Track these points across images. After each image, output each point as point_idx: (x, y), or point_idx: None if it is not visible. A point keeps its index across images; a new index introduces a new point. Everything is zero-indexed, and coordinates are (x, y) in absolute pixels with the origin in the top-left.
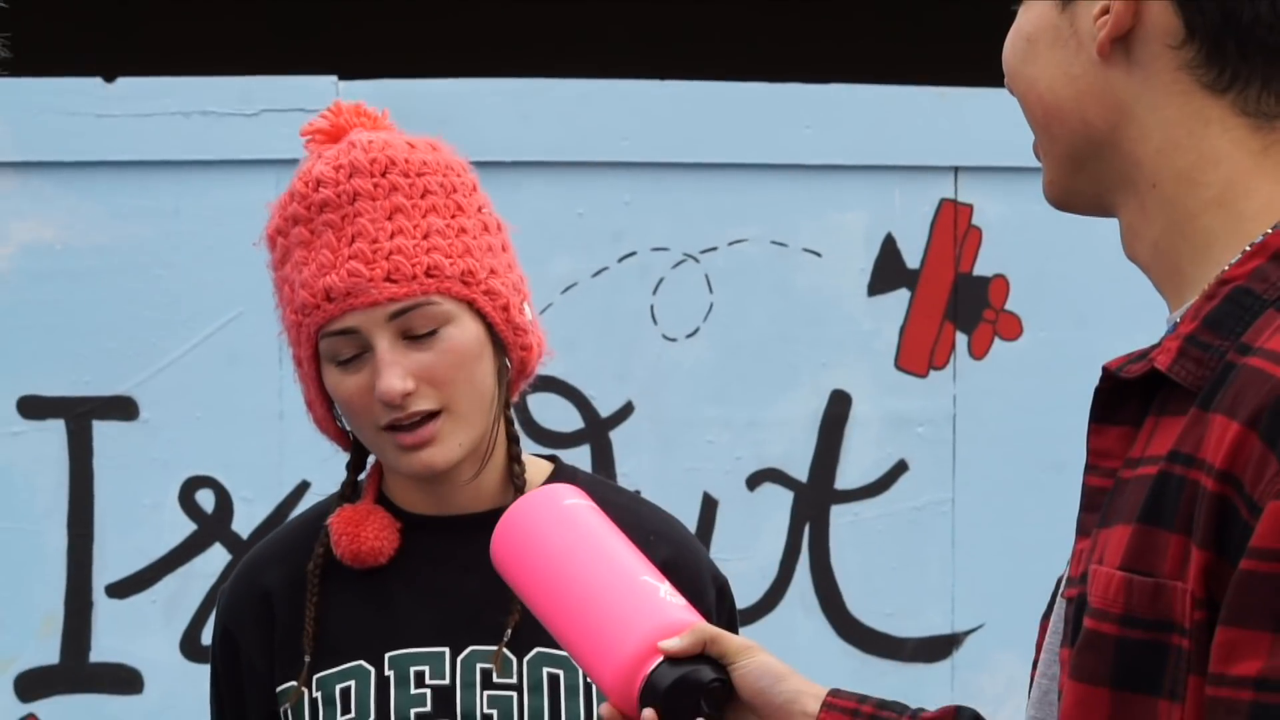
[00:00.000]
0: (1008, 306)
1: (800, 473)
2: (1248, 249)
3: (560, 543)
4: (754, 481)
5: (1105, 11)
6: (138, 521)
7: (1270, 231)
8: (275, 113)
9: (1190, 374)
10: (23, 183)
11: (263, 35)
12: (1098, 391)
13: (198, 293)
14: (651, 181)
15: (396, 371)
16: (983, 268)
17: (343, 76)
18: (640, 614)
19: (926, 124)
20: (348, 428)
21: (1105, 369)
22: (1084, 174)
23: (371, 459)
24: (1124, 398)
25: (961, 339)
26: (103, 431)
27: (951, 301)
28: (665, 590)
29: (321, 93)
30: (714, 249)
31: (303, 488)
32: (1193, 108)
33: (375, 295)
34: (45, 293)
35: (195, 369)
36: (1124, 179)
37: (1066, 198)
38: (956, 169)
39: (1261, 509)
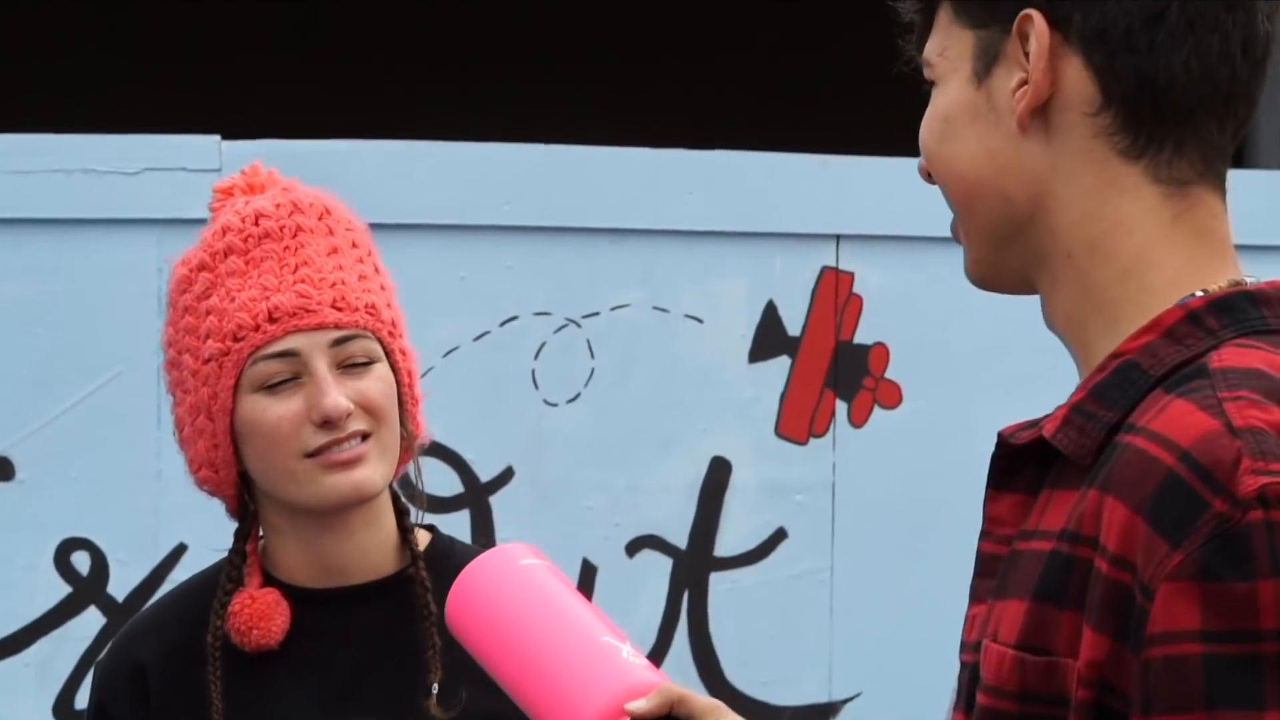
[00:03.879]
0: (887, 374)
1: (679, 539)
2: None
3: (519, 604)
4: (633, 548)
5: (1023, 84)
6: (12, 583)
7: (1169, 308)
8: (157, 172)
9: (1072, 442)
10: None
11: (146, 95)
12: (993, 458)
13: (76, 352)
14: (534, 246)
15: (340, 390)
16: (863, 336)
17: (226, 136)
18: (604, 676)
19: (808, 192)
20: (243, 470)
21: (999, 435)
22: (1008, 250)
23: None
24: (1019, 465)
25: (841, 406)
26: None
27: (832, 369)
28: (627, 650)
29: (204, 152)
30: (596, 314)
31: (180, 550)
32: (1108, 176)
33: (322, 318)
34: None
35: (72, 429)
36: (1043, 252)
37: (992, 275)
38: (838, 237)
39: (1155, 593)
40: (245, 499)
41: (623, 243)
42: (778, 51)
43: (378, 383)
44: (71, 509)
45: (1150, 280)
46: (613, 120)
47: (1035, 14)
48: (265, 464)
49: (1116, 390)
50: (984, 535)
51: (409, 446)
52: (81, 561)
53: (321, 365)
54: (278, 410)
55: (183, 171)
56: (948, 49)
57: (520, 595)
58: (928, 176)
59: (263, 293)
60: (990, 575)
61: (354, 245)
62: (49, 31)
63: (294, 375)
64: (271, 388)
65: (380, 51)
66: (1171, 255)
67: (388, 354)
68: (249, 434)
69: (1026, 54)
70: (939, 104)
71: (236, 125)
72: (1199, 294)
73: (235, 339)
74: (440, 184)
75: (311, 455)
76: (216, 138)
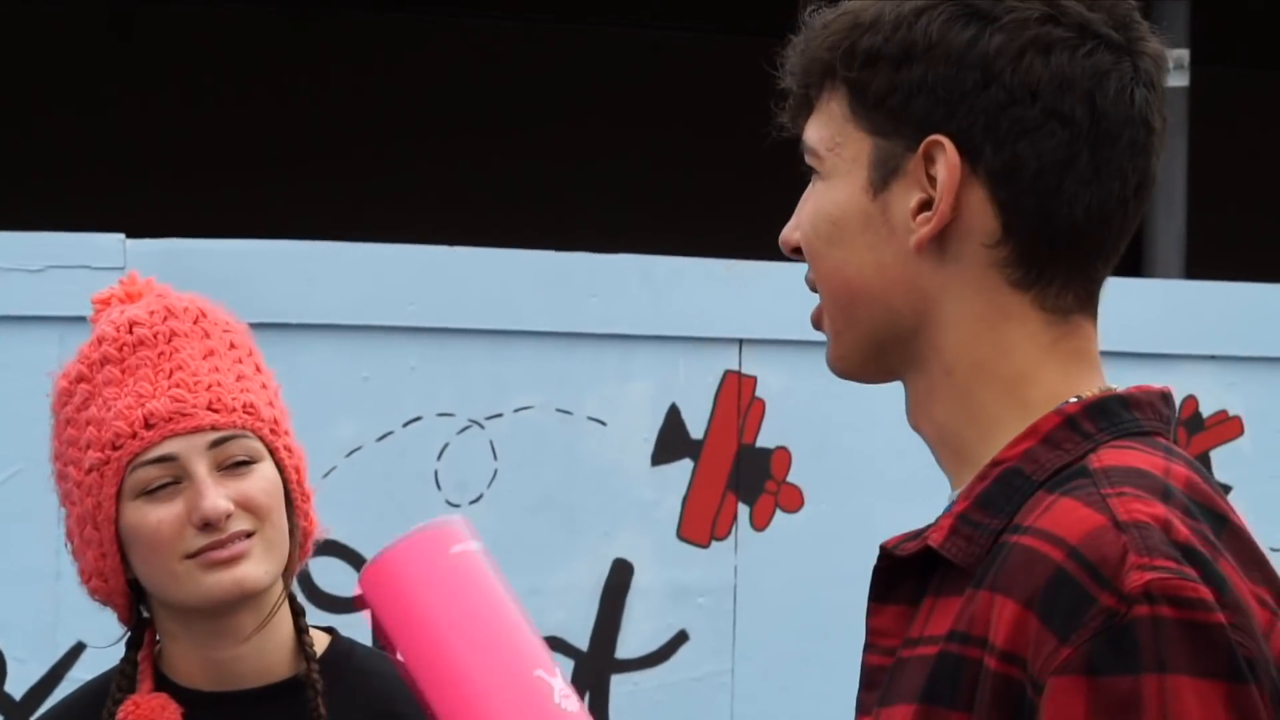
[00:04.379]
0: (789, 478)
1: (581, 641)
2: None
3: (442, 611)
4: None
5: (923, 205)
6: None
7: (1045, 414)
8: (61, 269)
9: (961, 551)
10: None
11: (50, 193)
12: (875, 570)
13: None
14: (437, 347)
15: (219, 492)
16: (765, 439)
17: (130, 235)
18: None
19: (711, 296)
20: (133, 578)
21: (882, 548)
22: (882, 354)
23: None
24: (901, 576)
25: (743, 510)
26: None
27: (734, 472)
28: (558, 692)
29: (108, 250)
30: (499, 415)
31: (78, 649)
32: (997, 303)
33: (198, 421)
34: None
35: None
36: (921, 361)
37: (857, 372)
38: (741, 341)
39: (1044, 687)
40: (137, 606)
41: (526, 345)
42: (682, 156)
43: (260, 481)
44: None
45: (1029, 395)
46: (516, 223)
47: (946, 141)
48: (149, 568)
49: (1001, 497)
50: (868, 648)
51: (305, 544)
52: None
53: (200, 468)
54: (158, 514)
55: (86, 269)
56: (840, 147)
57: (445, 599)
58: (794, 251)
59: (138, 400)
60: (875, 687)
61: (232, 346)
62: None
63: (174, 479)
64: (152, 493)
65: (281, 150)
66: (1049, 373)
67: (272, 452)
68: (133, 540)
69: (930, 176)
70: (827, 203)
71: (140, 225)
72: (1073, 400)
73: (114, 448)
74: (343, 284)
75: (192, 556)
76: (120, 236)
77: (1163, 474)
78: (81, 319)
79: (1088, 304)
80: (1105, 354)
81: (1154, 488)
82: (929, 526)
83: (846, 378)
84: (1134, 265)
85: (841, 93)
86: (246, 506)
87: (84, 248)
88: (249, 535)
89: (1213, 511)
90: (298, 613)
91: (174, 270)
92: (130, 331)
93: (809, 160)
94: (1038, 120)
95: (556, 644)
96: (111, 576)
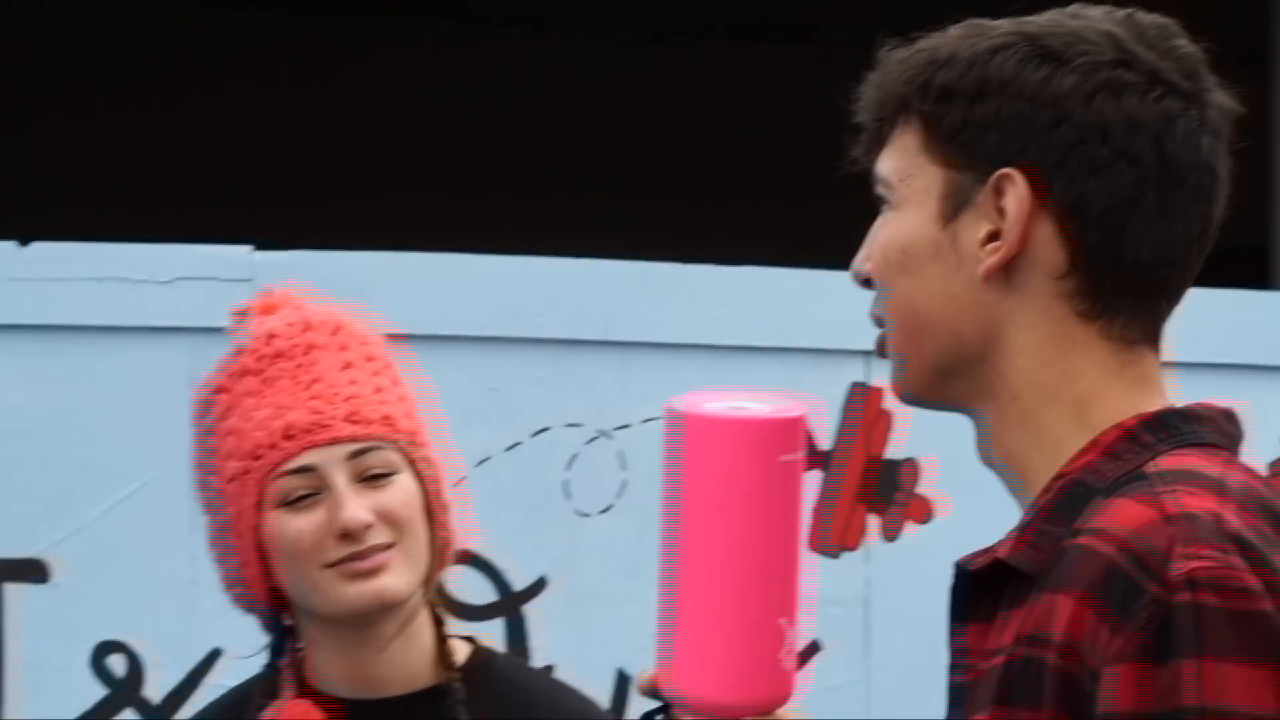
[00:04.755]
0: (919, 489)
1: None
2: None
3: (745, 508)
4: None
5: (992, 236)
6: (48, 686)
7: (1104, 429)
8: (189, 281)
9: (1029, 560)
10: None
11: (179, 203)
12: (952, 590)
13: (110, 457)
14: (565, 358)
15: (359, 503)
16: (894, 451)
17: (258, 246)
18: (750, 673)
19: (837, 307)
20: (275, 585)
21: (957, 565)
22: (949, 381)
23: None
24: (977, 593)
25: (873, 521)
26: (14, 594)
27: (862, 483)
28: (786, 647)
29: (236, 262)
30: (627, 426)
31: (214, 655)
32: (1063, 331)
33: (336, 432)
34: None
35: (108, 533)
36: (987, 388)
37: (923, 399)
38: (867, 352)
39: (1100, 676)
40: (280, 613)
41: (653, 356)
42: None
43: (398, 493)
44: (108, 612)
45: (1093, 417)
46: (644, 236)
47: (1018, 175)
48: (291, 577)
49: (1064, 507)
50: (951, 669)
51: (443, 554)
52: (118, 664)
53: (340, 479)
54: (298, 524)
55: (215, 281)
56: (912, 178)
57: (757, 503)
58: (865, 283)
59: (277, 411)
60: (960, 705)
61: (369, 358)
62: (83, 141)
63: (314, 490)
64: (292, 503)
65: (408, 161)
66: (1114, 396)
67: (411, 463)
68: (273, 550)
69: (999, 209)
70: (897, 232)
71: (269, 235)
72: (1133, 416)
73: (253, 458)
74: (472, 295)
75: (333, 565)
76: (248, 248)
77: (1219, 474)
78: (210, 330)
79: (1153, 336)
80: (1229, 367)
81: (1209, 484)
82: (998, 542)
83: (912, 404)
84: (1263, 278)
85: (915, 126)
86: (386, 519)
87: (213, 259)
88: (389, 547)
89: (1273, 510)
90: (439, 621)
91: (301, 281)
92: (269, 343)
93: (880, 191)
94: (1107, 159)
95: None
96: (253, 584)
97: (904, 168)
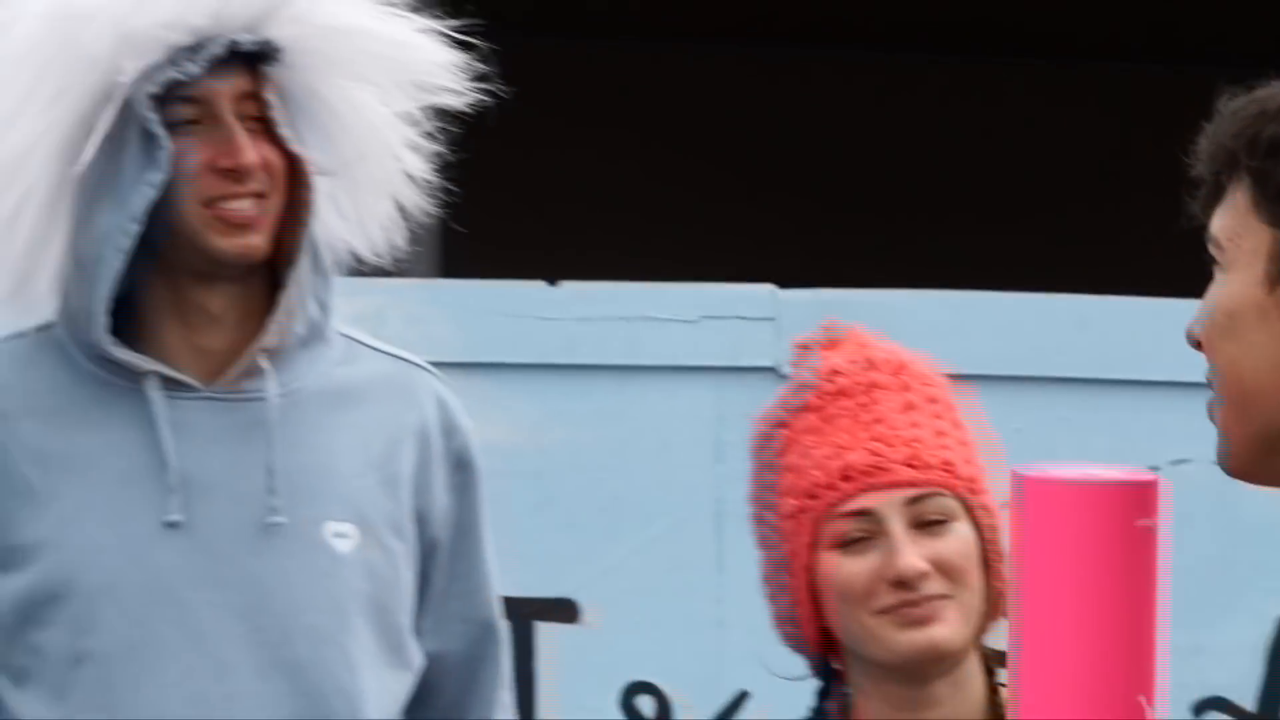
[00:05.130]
0: None
1: (1247, 701)
2: None
3: (1095, 579)
4: (1200, 709)
5: None
6: None
7: None
8: (714, 320)
9: None
10: (468, 383)
11: (701, 242)
12: None
13: (637, 496)
14: (1088, 397)
15: (915, 551)
16: None
17: (781, 285)
18: None
19: None
20: (826, 627)
21: None
22: (1273, 455)
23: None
24: None
25: None
26: (545, 633)
27: None
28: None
29: (760, 301)
30: (1156, 468)
31: (742, 697)
32: None
33: (895, 476)
34: (489, 492)
35: (635, 573)
36: None
37: (1246, 472)
38: None
39: None
40: (827, 656)
41: (1181, 396)
42: None
43: (955, 542)
44: (636, 652)
45: None
46: (1172, 275)
47: None
48: (842, 620)
49: None
50: None
51: (996, 604)
52: (647, 705)
53: (896, 525)
54: (852, 568)
55: (739, 320)
56: (1241, 238)
57: (1108, 572)
58: (1196, 345)
59: (836, 451)
60: None
61: (931, 400)
62: (610, 184)
63: (869, 534)
64: (846, 545)
65: (931, 203)
66: None
67: (968, 511)
68: (826, 591)
69: None
70: (1224, 295)
71: (790, 274)
72: None
73: (810, 497)
74: (993, 334)
75: (885, 612)
76: (772, 287)
77: None
78: (735, 369)
79: None
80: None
81: None
82: None
83: (1238, 478)
84: None
85: (1246, 183)
86: (941, 568)
87: (737, 299)
88: (943, 598)
89: None
90: (989, 670)
91: (825, 320)
92: (831, 380)
93: (1212, 251)
94: None
95: (1222, 704)
96: (804, 624)
97: (1233, 227)
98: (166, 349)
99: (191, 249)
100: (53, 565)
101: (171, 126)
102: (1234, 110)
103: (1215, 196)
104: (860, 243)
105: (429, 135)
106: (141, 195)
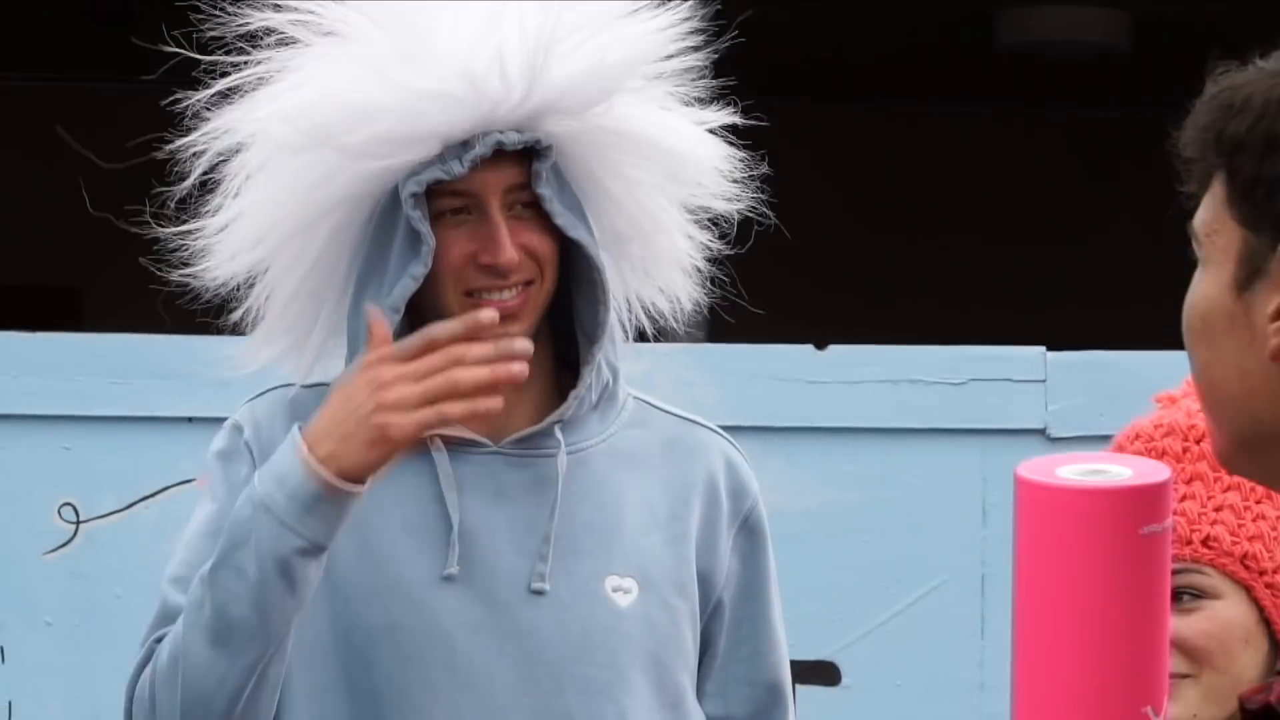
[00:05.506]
0: None
1: None
2: None
3: (1094, 584)
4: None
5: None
6: None
7: None
8: (982, 382)
9: None
10: None
11: (971, 304)
12: None
13: (902, 560)
14: None
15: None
16: None
17: (1051, 348)
18: None
19: None
20: None
21: (1239, 698)
22: (1253, 458)
23: None
24: None
25: None
26: (806, 696)
27: None
28: None
29: (1029, 363)
30: None
31: None
32: None
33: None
34: None
35: (897, 636)
36: None
37: (1236, 471)
38: None
39: None
40: None
41: None
42: None
43: (1202, 622)
44: (897, 716)
45: None
46: None
47: None
48: None
49: None
50: None
51: None
52: None
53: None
54: None
55: (1007, 382)
56: (1216, 234)
57: (1111, 579)
58: None
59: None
60: None
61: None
62: (871, 246)
63: None
64: None
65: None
66: None
67: (1246, 588)
68: None
69: None
70: (1198, 296)
71: (1060, 337)
72: None
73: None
74: None
75: None
76: (1042, 349)
77: None
78: (1003, 431)
79: None
80: None
81: None
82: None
83: (1230, 472)
84: None
85: (1222, 175)
86: (1182, 648)
87: (1005, 361)
88: (1182, 677)
89: None
90: None
91: (1093, 382)
92: (1132, 442)
93: (1194, 244)
94: None
95: None
96: None
97: (1210, 221)
98: None
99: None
100: (338, 607)
101: (439, 214)
102: (1208, 99)
103: (1201, 183)
104: (1126, 306)
105: (700, 221)
106: (404, 287)
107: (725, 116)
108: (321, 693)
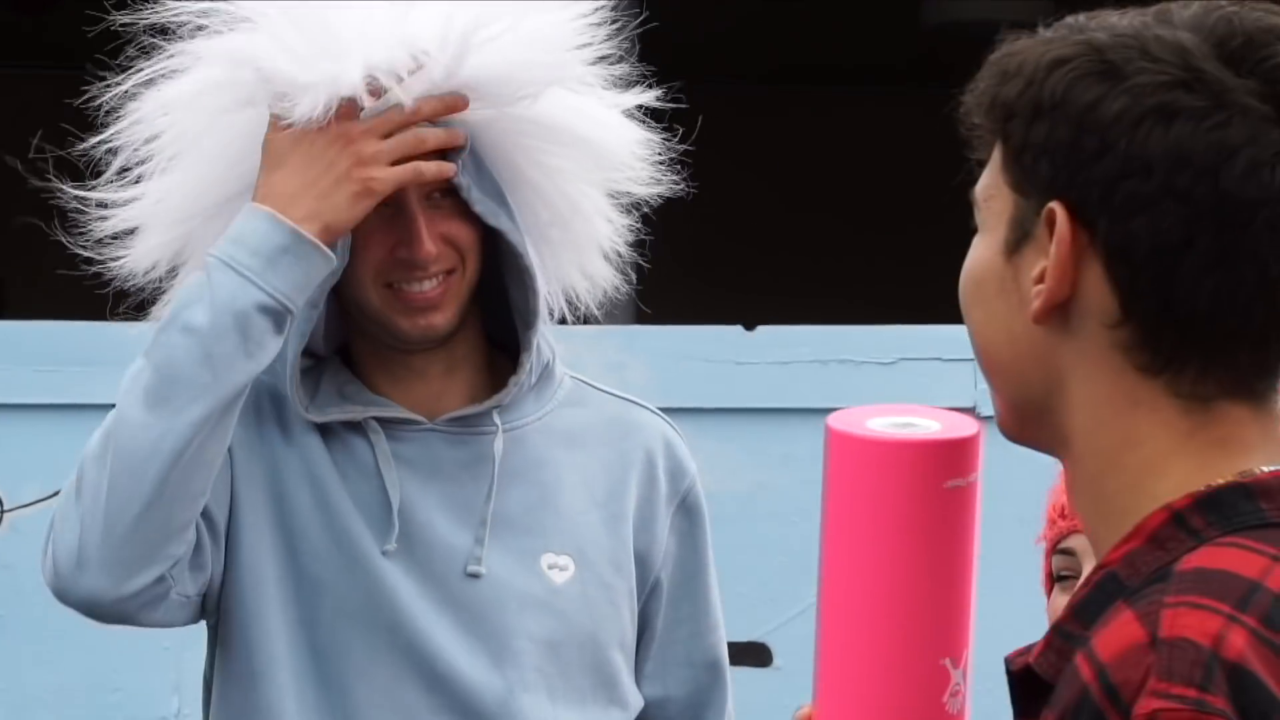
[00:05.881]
0: None
1: None
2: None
3: (899, 538)
4: None
5: (1043, 277)
6: None
7: (1154, 509)
8: (912, 361)
9: (1050, 666)
10: None
11: (899, 278)
12: (1009, 686)
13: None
14: None
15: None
16: None
17: None
18: (921, 718)
19: None
20: None
21: (1005, 660)
22: (1028, 426)
23: None
24: (1027, 692)
25: None
26: (738, 678)
27: None
28: (951, 688)
29: (958, 342)
30: None
31: None
32: (1123, 387)
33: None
34: None
35: None
36: (1061, 442)
37: (1015, 438)
38: None
39: None
40: None
41: None
42: None
43: None
44: None
45: (1158, 489)
46: None
47: (1060, 209)
48: None
49: (1094, 606)
50: None
51: None
52: None
53: (1089, 562)
54: (1058, 602)
55: (937, 361)
56: (992, 200)
57: (916, 532)
58: None
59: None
60: None
61: None
62: (802, 227)
63: (1071, 571)
64: (1059, 580)
65: None
66: (1182, 464)
67: None
68: None
69: (1050, 246)
70: (973, 260)
71: None
72: (1189, 493)
73: (1049, 524)
74: None
75: None
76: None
77: (1258, 575)
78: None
79: (1237, 389)
80: None
81: (1230, 593)
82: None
83: (1010, 440)
84: None
85: (998, 142)
86: None
87: (936, 340)
88: None
89: None
90: None
91: None
92: None
93: (974, 210)
94: (1153, 196)
95: None
96: None
97: (988, 187)
98: (381, 393)
99: (377, 325)
100: (290, 557)
101: None
102: (987, 66)
103: (987, 152)
104: None
105: (622, 205)
106: (324, 281)
107: (643, 98)
108: (270, 637)
